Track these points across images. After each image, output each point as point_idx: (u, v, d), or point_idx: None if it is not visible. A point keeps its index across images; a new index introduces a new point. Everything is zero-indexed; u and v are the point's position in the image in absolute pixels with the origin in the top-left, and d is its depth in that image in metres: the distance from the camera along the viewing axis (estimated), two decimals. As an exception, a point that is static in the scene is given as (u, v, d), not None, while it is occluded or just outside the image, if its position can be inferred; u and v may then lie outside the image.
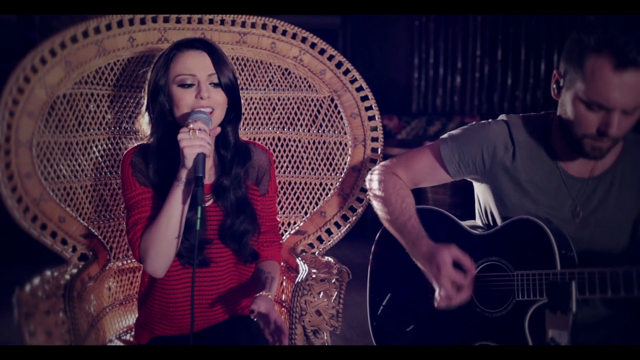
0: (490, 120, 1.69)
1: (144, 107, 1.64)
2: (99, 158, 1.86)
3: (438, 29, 5.86)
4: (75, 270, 1.73)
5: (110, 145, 1.87)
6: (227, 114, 1.62)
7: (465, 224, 1.72)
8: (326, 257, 1.91)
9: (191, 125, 1.46)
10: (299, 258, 1.89)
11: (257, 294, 1.55)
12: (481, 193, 1.73)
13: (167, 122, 1.59)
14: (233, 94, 1.60)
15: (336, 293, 1.66)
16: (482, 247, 1.61)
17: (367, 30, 6.59)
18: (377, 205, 1.73)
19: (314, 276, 1.71)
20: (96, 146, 1.85)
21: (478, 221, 1.80)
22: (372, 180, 1.77)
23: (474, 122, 1.72)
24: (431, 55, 5.93)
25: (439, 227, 1.69)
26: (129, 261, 1.95)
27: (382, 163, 1.80)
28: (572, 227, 1.58)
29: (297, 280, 1.70)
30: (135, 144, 1.66)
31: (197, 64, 1.55)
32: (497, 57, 5.43)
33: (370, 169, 1.96)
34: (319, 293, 1.64)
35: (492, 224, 1.70)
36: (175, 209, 1.51)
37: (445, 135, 1.70)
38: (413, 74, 6.02)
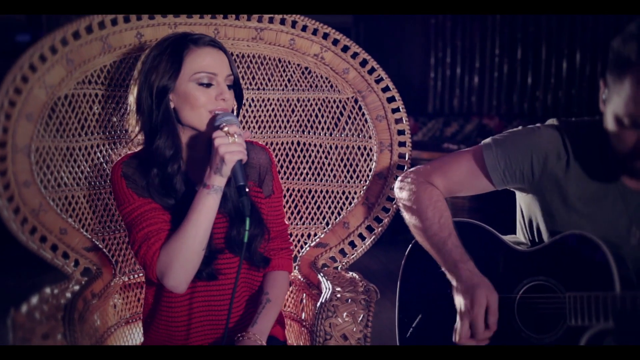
0: (539, 125, 1.53)
1: (133, 109, 1.50)
2: (104, 164, 1.74)
3: (455, 27, 5.74)
4: (77, 287, 1.60)
5: (116, 150, 1.75)
6: None
7: (507, 239, 1.56)
8: (350, 273, 1.77)
9: (227, 129, 1.37)
10: (321, 274, 1.74)
11: (242, 334, 1.46)
12: (526, 205, 1.58)
13: (173, 124, 1.47)
14: (240, 96, 1.55)
15: (363, 315, 1.51)
16: (527, 265, 1.46)
17: (381, 29, 6.46)
18: (409, 218, 1.58)
19: (338, 295, 1.56)
20: (100, 152, 1.73)
21: (520, 236, 1.64)
22: (403, 190, 1.61)
23: (519, 127, 1.56)
24: (448, 54, 5.82)
25: (479, 243, 1.54)
26: (136, 276, 1.81)
27: (413, 169, 1.64)
28: (627, 246, 1.42)
29: (320, 300, 1.55)
30: (123, 155, 1.54)
31: (218, 63, 1.45)
32: (517, 56, 5.31)
33: (397, 176, 1.82)
34: (345, 315, 1.48)
35: (537, 239, 1.54)
36: (205, 219, 1.40)
37: (488, 140, 1.55)
38: (429, 73, 5.90)
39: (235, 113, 1.57)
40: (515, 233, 1.67)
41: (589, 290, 1.34)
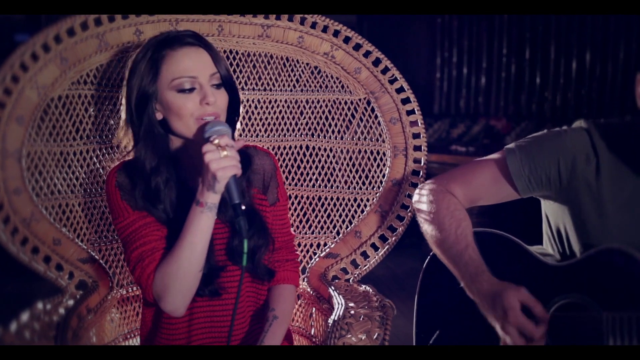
0: (565, 127, 1.43)
1: (123, 119, 1.42)
2: (100, 170, 1.64)
3: (462, 27, 5.64)
4: (71, 302, 1.51)
5: (113, 155, 1.64)
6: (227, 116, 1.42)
7: (533, 250, 1.45)
8: (363, 286, 1.66)
9: (217, 141, 1.25)
10: (332, 287, 1.63)
11: None
12: (553, 213, 1.47)
13: (156, 135, 1.37)
14: (234, 92, 1.42)
15: (379, 333, 1.40)
16: (558, 280, 1.36)
17: (385, 29, 6.35)
18: (427, 229, 1.48)
19: (352, 312, 1.45)
20: (97, 157, 1.63)
21: (548, 247, 1.53)
22: (421, 199, 1.51)
23: (544, 130, 1.46)
24: (454, 54, 5.69)
25: (504, 255, 1.43)
26: (135, 288, 1.71)
27: (432, 179, 1.54)
28: None
29: (333, 317, 1.44)
30: (118, 161, 1.44)
31: (197, 64, 1.34)
32: (525, 56, 5.20)
33: (412, 183, 1.73)
34: (360, 334, 1.37)
35: (568, 251, 1.44)
36: (199, 239, 1.30)
37: (511, 145, 1.45)
38: (435, 73, 5.79)
39: (237, 115, 1.45)
40: (541, 243, 1.57)
41: (629, 309, 1.23)
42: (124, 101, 1.40)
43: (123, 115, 1.41)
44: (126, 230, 1.36)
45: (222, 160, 1.25)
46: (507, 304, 1.25)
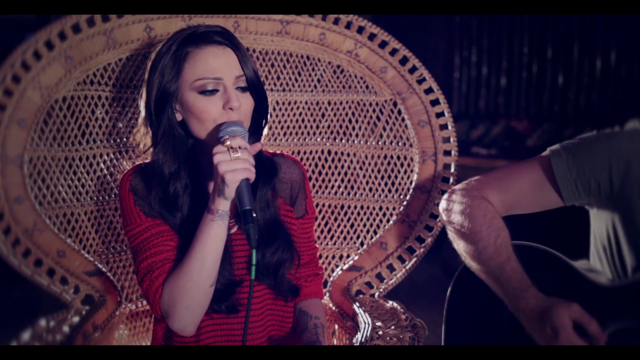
0: (618, 128, 1.31)
1: (141, 118, 1.32)
2: (108, 177, 1.55)
3: (481, 25, 5.55)
4: (77, 319, 1.43)
5: (122, 160, 1.55)
6: (252, 121, 1.32)
7: (579, 266, 1.33)
8: (390, 302, 1.54)
9: (229, 143, 1.15)
10: (357, 303, 1.52)
11: None
12: (601, 224, 1.35)
13: (175, 137, 1.27)
14: (261, 96, 1.31)
15: (410, 356, 1.27)
16: (611, 303, 1.24)
17: (402, 27, 6.24)
18: (459, 240, 1.36)
19: (380, 333, 1.34)
20: (104, 162, 1.54)
21: (595, 262, 1.40)
22: (451, 207, 1.39)
23: (593, 132, 1.33)
24: (474, 53, 5.61)
25: (545, 272, 1.31)
26: (145, 303, 1.60)
27: (461, 184, 1.42)
28: None
29: (359, 338, 1.33)
30: (134, 164, 1.35)
31: (223, 64, 1.24)
32: (547, 55, 5.09)
33: (442, 190, 1.62)
34: (390, 358, 1.25)
35: (619, 266, 1.31)
36: (210, 250, 1.20)
37: (555, 147, 1.33)
38: (453, 73, 5.70)
39: (263, 120, 1.34)
40: (587, 257, 1.44)
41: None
42: (144, 97, 1.30)
43: (143, 113, 1.31)
44: (137, 238, 1.27)
45: (232, 163, 1.15)
46: (558, 322, 1.13)
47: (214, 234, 1.19)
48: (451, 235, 1.40)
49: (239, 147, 1.15)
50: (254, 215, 1.15)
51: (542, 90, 5.13)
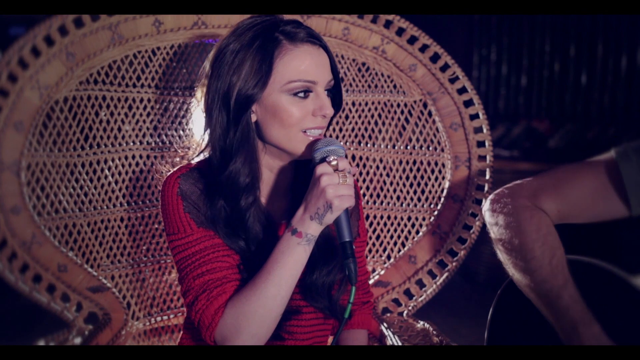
0: None
1: (202, 122, 1.17)
2: (113, 185, 1.46)
3: (501, 22, 5.53)
4: (79, 340, 1.39)
5: (128, 167, 1.46)
6: None
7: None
8: (421, 322, 1.42)
9: (335, 163, 1.08)
10: (384, 324, 1.40)
11: None
12: None
13: (251, 143, 1.14)
14: (339, 104, 1.22)
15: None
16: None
17: (419, 24, 6.17)
18: (507, 255, 1.23)
19: None
20: (109, 168, 1.46)
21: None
22: (498, 215, 1.24)
23: None
24: (493, 51, 5.58)
25: (602, 293, 1.17)
26: (153, 321, 1.52)
27: (509, 186, 1.27)
28: None
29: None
30: (176, 166, 1.19)
31: (320, 67, 1.13)
32: (570, 53, 5.07)
33: (476, 199, 1.50)
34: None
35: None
36: (290, 275, 1.09)
37: (622, 148, 1.21)
38: (472, 72, 5.68)
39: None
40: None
41: None
42: (203, 98, 1.16)
43: (203, 115, 1.17)
44: (187, 250, 1.13)
45: (340, 188, 1.07)
46: None
47: (298, 259, 1.08)
48: (496, 247, 1.27)
49: (346, 171, 1.07)
50: (354, 248, 1.07)
51: (564, 90, 5.09)
